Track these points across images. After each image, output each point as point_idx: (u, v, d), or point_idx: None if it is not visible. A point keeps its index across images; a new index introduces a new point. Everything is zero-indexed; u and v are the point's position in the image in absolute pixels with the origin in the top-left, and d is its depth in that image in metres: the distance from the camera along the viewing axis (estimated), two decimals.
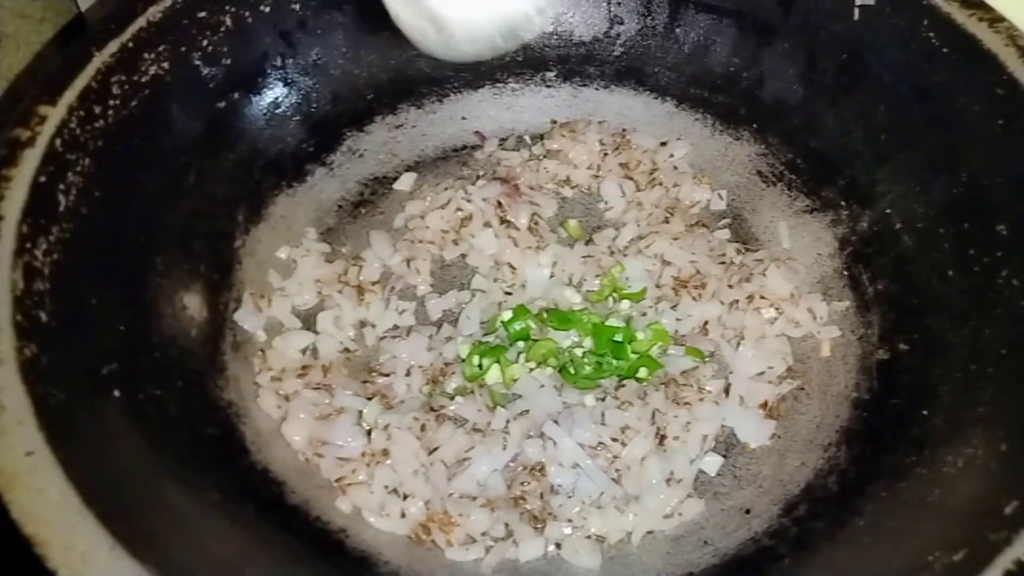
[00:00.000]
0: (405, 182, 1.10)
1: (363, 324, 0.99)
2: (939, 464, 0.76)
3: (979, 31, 0.85)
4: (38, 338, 0.68)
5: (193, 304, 0.89)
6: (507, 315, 0.96)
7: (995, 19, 0.85)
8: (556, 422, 0.88)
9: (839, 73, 0.99)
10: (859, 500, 0.79)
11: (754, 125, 1.09)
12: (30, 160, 0.74)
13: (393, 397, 0.92)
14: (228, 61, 0.95)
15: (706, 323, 0.97)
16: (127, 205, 0.83)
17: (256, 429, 0.87)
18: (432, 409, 0.89)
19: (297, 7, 1.01)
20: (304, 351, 0.96)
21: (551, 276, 1.02)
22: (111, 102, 0.82)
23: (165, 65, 0.88)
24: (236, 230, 0.98)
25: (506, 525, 0.84)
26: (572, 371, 0.92)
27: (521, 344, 0.95)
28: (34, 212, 0.73)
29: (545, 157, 1.12)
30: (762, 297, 0.97)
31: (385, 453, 0.86)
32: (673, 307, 0.98)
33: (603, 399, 0.91)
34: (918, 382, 0.85)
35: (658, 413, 0.89)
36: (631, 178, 1.10)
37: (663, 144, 1.12)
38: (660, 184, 1.09)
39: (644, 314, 0.98)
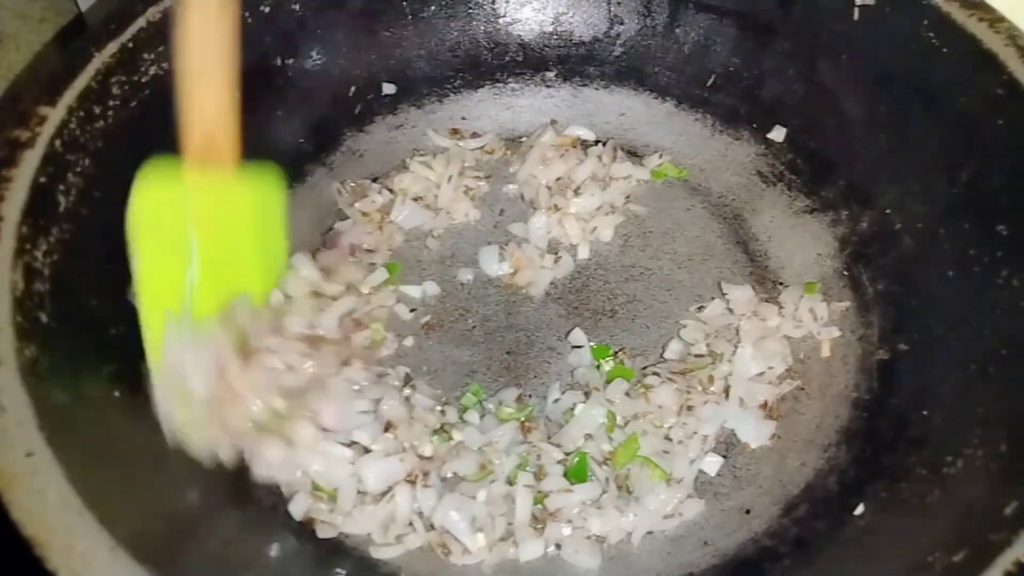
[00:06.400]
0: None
1: None
2: (939, 464, 0.76)
3: (979, 31, 0.85)
4: (38, 338, 0.68)
5: None
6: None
7: (995, 19, 0.85)
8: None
9: (839, 73, 0.99)
10: (859, 500, 0.79)
11: (754, 125, 1.09)
12: (30, 160, 0.74)
13: None
14: None
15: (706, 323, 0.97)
16: (127, 205, 0.83)
17: None
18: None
19: (297, 7, 1.00)
20: None
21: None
22: (111, 102, 0.82)
23: (165, 65, 0.87)
24: None
25: (506, 525, 0.84)
26: None
27: None
28: (34, 213, 0.73)
29: None
30: None
31: None
32: None
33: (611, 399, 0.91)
34: (918, 382, 0.85)
35: (664, 411, 0.89)
36: None
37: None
38: None
39: None
